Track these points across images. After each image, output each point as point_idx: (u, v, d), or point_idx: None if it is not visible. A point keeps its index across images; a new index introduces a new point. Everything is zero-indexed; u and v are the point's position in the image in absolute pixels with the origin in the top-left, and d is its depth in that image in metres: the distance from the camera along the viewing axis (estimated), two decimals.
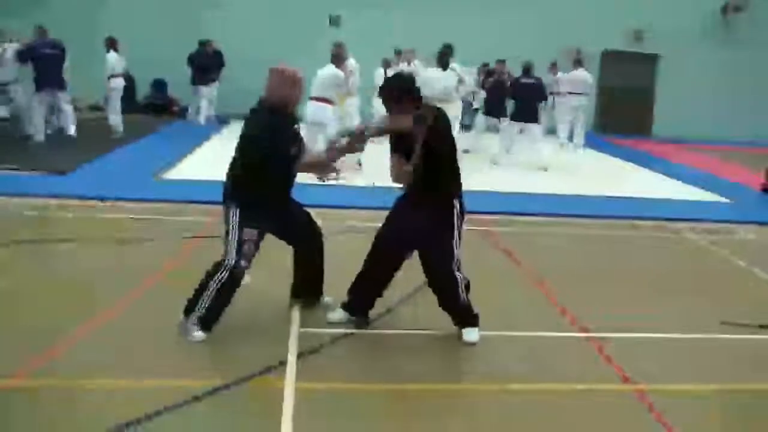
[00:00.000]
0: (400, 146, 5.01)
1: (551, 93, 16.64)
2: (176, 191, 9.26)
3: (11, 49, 12.53)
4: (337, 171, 5.27)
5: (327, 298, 5.52)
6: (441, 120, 5.02)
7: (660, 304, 6.21)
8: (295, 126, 5.17)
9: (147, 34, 16.99)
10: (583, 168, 13.88)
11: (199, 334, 4.84)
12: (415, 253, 5.16)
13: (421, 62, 13.75)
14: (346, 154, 5.25)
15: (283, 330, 5.09)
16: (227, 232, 4.91)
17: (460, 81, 12.52)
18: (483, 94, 14.51)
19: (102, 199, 8.77)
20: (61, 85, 12.57)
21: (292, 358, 4.66)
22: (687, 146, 18.20)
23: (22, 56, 12.48)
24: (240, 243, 4.86)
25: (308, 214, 5.38)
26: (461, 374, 4.91)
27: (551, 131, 16.85)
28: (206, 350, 4.78)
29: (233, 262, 4.84)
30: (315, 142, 9.92)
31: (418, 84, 5.26)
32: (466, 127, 14.44)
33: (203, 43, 16.89)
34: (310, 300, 5.49)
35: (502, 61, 14.30)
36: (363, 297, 5.28)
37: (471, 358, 4.98)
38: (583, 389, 4.58)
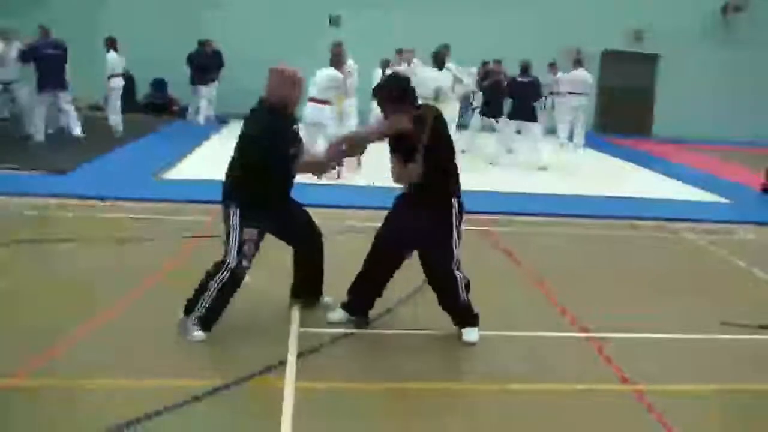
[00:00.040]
0: (400, 147, 5.01)
1: (551, 93, 16.65)
2: (176, 191, 9.26)
3: (14, 48, 12.53)
4: (338, 170, 5.29)
5: (327, 298, 5.52)
6: (439, 120, 5.05)
7: (660, 304, 6.21)
8: (295, 126, 5.17)
9: (147, 34, 16.98)
10: (583, 168, 13.89)
11: (199, 333, 4.84)
12: (415, 253, 5.16)
13: (420, 62, 13.75)
14: (345, 158, 5.25)
15: (283, 330, 5.10)
16: (227, 233, 4.92)
17: (458, 81, 12.51)
18: (480, 94, 14.50)
19: (102, 198, 8.77)
20: (63, 85, 12.57)
21: (292, 358, 4.66)
22: (687, 146, 18.20)
23: (25, 56, 12.48)
24: (241, 243, 4.86)
25: (307, 214, 5.38)
26: (461, 374, 4.91)
27: (551, 131, 16.85)
28: (206, 350, 4.79)
29: (234, 262, 4.84)
30: (314, 143, 9.92)
31: (413, 84, 5.26)
32: (461, 126, 14.42)
33: (202, 43, 16.88)
34: (310, 300, 5.49)
35: (498, 61, 14.28)
36: (363, 297, 5.28)
37: (471, 358, 4.99)
38: (582, 389, 4.58)
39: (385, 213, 5.25)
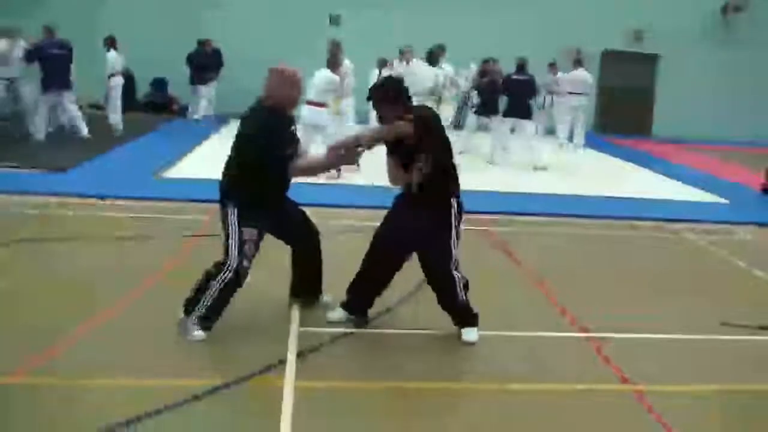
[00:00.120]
0: (398, 150, 5.02)
1: (550, 92, 16.65)
2: (176, 190, 9.26)
3: (18, 46, 12.52)
4: (338, 171, 5.30)
5: (326, 297, 5.52)
6: (435, 120, 5.06)
7: (659, 304, 6.22)
8: (292, 127, 5.15)
9: (147, 34, 16.97)
10: (582, 168, 13.89)
11: (199, 333, 4.84)
12: (414, 253, 5.17)
13: (419, 62, 13.74)
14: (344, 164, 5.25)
15: (282, 329, 5.10)
16: (227, 233, 4.91)
17: (453, 84, 12.50)
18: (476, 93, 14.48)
19: (102, 197, 8.78)
20: (67, 85, 12.61)
21: (291, 357, 4.66)
22: (687, 146, 18.20)
23: (30, 56, 12.50)
24: (241, 244, 4.86)
25: (304, 213, 5.38)
26: (461, 373, 4.90)
27: (551, 131, 16.86)
28: (206, 349, 4.79)
29: (236, 263, 4.83)
30: (311, 143, 9.91)
31: (409, 81, 5.28)
32: (458, 127, 14.43)
33: (202, 43, 16.89)
34: (310, 299, 5.50)
35: (494, 60, 14.23)
36: (362, 296, 5.29)
37: (470, 358, 4.99)
38: (582, 389, 4.58)
39: (384, 212, 5.25)
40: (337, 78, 10.85)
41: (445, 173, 5.03)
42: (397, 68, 12.98)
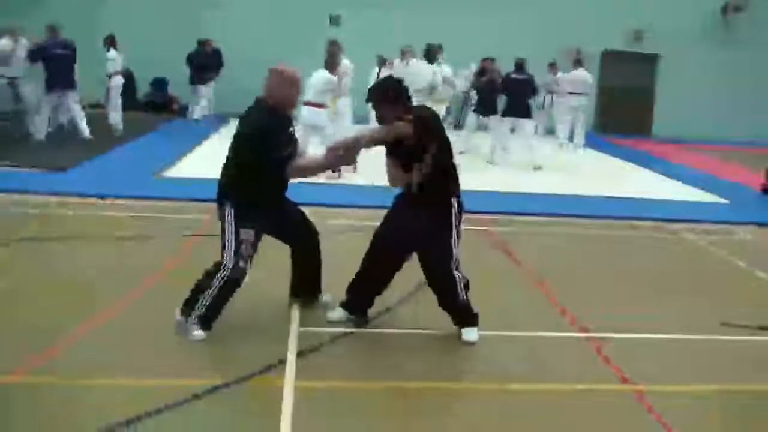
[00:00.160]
0: (397, 151, 5.02)
1: (550, 92, 16.64)
2: (176, 189, 9.27)
3: (21, 45, 12.52)
4: (338, 170, 5.28)
5: (326, 297, 5.52)
6: (435, 120, 5.06)
7: (659, 304, 6.22)
8: (291, 128, 5.14)
9: (147, 34, 16.98)
10: (583, 168, 13.88)
11: (199, 333, 4.84)
12: (414, 253, 5.17)
13: (418, 60, 13.73)
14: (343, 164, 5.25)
15: (282, 329, 5.10)
16: (224, 234, 4.91)
17: (449, 84, 12.49)
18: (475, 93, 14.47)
19: (102, 196, 8.78)
20: (71, 84, 12.62)
21: (291, 357, 4.67)
22: (687, 146, 18.20)
23: (33, 56, 12.52)
24: (238, 244, 4.85)
25: (302, 212, 5.38)
26: (461, 373, 4.90)
27: (551, 131, 16.86)
28: (206, 349, 4.79)
29: (233, 264, 4.83)
30: (309, 144, 9.90)
31: (408, 79, 5.28)
32: (458, 126, 14.41)
33: (202, 43, 16.89)
34: (309, 298, 5.50)
35: (491, 59, 14.20)
36: (362, 296, 5.29)
37: (470, 358, 4.99)
38: (582, 389, 4.58)
39: (384, 212, 5.25)
40: (335, 78, 10.85)
41: (445, 173, 5.03)
42: (397, 67, 12.97)
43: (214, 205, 5.07)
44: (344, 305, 5.30)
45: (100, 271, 6.16)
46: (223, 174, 5.05)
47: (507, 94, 13.28)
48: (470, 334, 5.12)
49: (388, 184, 5.22)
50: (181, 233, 7.42)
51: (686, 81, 19.80)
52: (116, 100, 14.44)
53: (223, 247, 4.89)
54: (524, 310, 5.91)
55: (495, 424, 4.14)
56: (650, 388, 4.59)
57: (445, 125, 5.45)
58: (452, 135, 6.44)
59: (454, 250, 5.03)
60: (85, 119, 12.77)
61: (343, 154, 5.06)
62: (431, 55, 12.20)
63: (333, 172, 9.59)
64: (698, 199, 11.25)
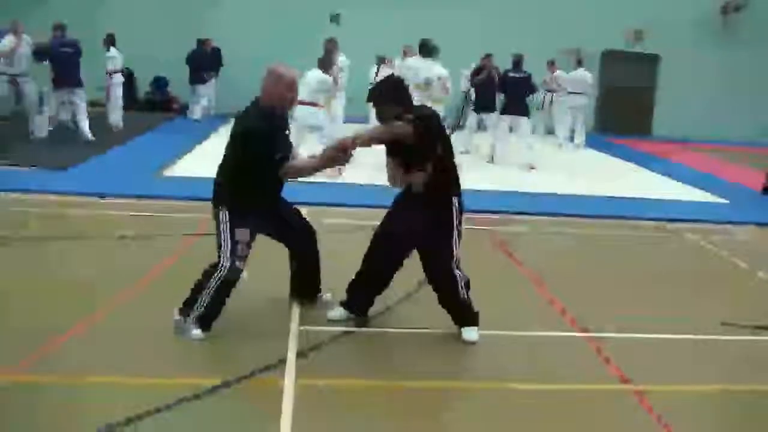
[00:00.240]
0: (398, 149, 5.01)
1: (549, 91, 16.64)
2: (176, 188, 9.26)
3: (24, 42, 12.50)
4: (339, 168, 5.24)
5: (326, 296, 5.52)
6: (436, 120, 5.05)
7: (660, 304, 6.21)
8: (286, 129, 5.11)
9: (147, 33, 17.01)
10: (583, 168, 13.86)
11: (197, 332, 4.83)
12: (415, 252, 5.16)
13: (417, 57, 13.69)
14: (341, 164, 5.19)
15: (282, 328, 5.09)
16: (219, 234, 4.90)
17: (440, 79, 12.44)
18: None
19: (102, 195, 8.78)
20: (79, 83, 12.68)
21: (292, 356, 4.66)
22: (688, 146, 18.21)
23: (39, 56, 12.54)
24: (234, 244, 4.84)
25: (299, 212, 5.38)
26: (461, 373, 4.90)
27: (550, 131, 16.86)
28: (206, 348, 4.78)
29: (229, 264, 4.82)
30: (302, 144, 9.89)
31: (406, 74, 5.26)
32: (459, 127, 14.38)
33: (202, 42, 16.89)
34: (309, 297, 5.49)
35: (489, 56, 14.16)
36: (362, 295, 5.28)
37: (470, 357, 4.99)
38: (582, 389, 4.58)
39: (384, 211, 5.24)
40: (329, 78, 10.84)
41: (446, 173, 5.02)
42: (397, 66, 12.96)
43: None
44: (344, 304, 5.30)
45: (100, 270, 6.16)
46: (218, 174, 5.05)
47: (505, 92, 13.26)
48: (470, 333, 5.12)
49: (388, 183, 5.22)
50: (181, 232, 7.42)
51: (686, 81, 19.81)
52: (117, 99, 14.44)
53: (219, 247, 4.88)
54: (524, 310, 5.90)
55: (495, 423, 4.13)
56: (650, 388, 4.58)
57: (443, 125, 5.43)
58: (452, 135, 6.45)
59: (454, 250, 5.03)
60: (88, 120, 12.76)
61: (341, 154, 5.02)
62: (426, 50, 12.12)
63: (335, 170, 9.58)
64: (699, 199, 11.25)
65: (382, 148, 5.15)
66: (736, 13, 20.44)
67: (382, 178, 5.31)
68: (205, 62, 16.71)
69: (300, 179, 5.35)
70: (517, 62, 13.30)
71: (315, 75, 10.65)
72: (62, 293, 5.56)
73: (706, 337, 5.55)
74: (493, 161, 13.32)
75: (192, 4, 18.19)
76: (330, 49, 11.31)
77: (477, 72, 13.88)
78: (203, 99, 16.79)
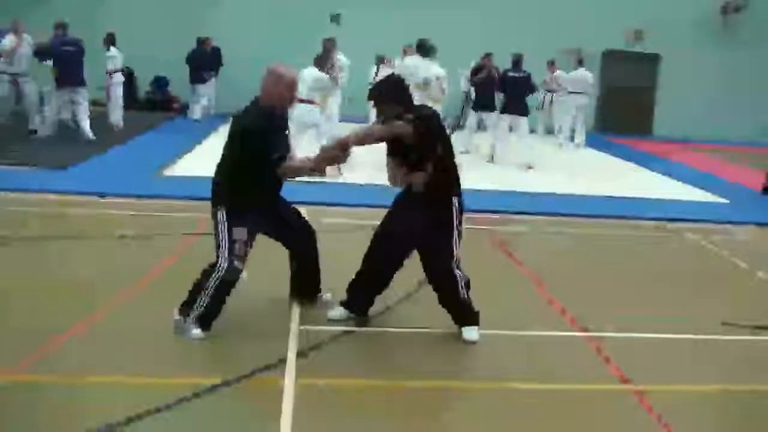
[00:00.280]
0: (398, 149, 5.01)
1: (549, 91, 16.63)
2: (176, 188, 9.26)
3: (25, 42, 12.50)
4: (339, 168, 5.19)
5: (326, 295, 5.52)
6: (436, 120, 5.05)
7: (660, 304, 6.21)
8: (285, 128, 5.09)
9: (148, 32, 17.01)
10: (583, 167, 13.86)
11: (197, 332, 4.83)
12: (415, 252, 5.16)
13: (415, 56, 13.68)
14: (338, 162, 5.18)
15: (282, 327, 5.09)
16: (217, 234, 4.90)
17: (438, 79, 12.45)
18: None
19: (102, 195, 8.77)
20: (82, 82, 12.69)
21: (292, 356, 4.66)
22: (688, 146, 18.21)
23: (40, 55, 12.54)
24: (232, 243, 4.84)
25: (298, 212, 5.37)
26: (461, 372, 4.90)
27: (550, 131, 16.86)
28: (206, 348, 4.78)
29: (227, 263, 4.82)
30: (299, 142, 9.89)
31: (404, 73, 5.26)
32: (459, 127, 14.38)
33: (202, 41, 16.87)
34: (309, 297, 5.49)
35: (488, 55, 14.14)
36: (362, 295, 5.28)
37: (471, 357, 4.99)
38: (582, 389, 4.58)
39: (384, 211, 5.24)
40: (325, 76, 10.84)
41: (446, 173, 5.02)
42: (396, 65, 12.95)
43: None
44: (345, 304, 5.30)
45: (100, 270, 6.16)
46: (216, 173, 5.04)
47: (504, 91, 13.25)
48: (471, 332, 5.12)
49: (388, 183, 5.21)
50: (181, 232, 7.42)
51: (687, 81, 19.81)
52: (117, 98, 14.45)
53: (218, 246, 4.88)
54: (524, 310, 5.90)
55: (495, 423, 4.13)
56: (650, 387, 4.58)
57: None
58: (453, 135, 6.44)
59: (454, 249, 5.03)
60: (89, 120, 12.77)
61: (337, 153, 5.00)
62: (424, 50, 12.11)
63: (334, 170, 9.57)
64: (699, 199, 11.25)
65: (382, 147, 5.15)
66: (736, 13, 20.43)
67: (381, 177, 5.31)
68: (205, 61, 16.69)
69: (300, 179, 5.35)
70: (517, 62, 13.29)
71: (311, 73, 10.66)
72: (62, 293, 5.56)
73: (706, 337, 5.55)
74: (492, 161, 13.31)
75: (192, 4, 18.19)
76: (328, 48, 11.31)
77: (477, 71, 13.87)
78: (203, 99, 16.78)
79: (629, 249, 8.30)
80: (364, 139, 5.07)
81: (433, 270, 5.12)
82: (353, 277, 5.27)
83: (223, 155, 5.04)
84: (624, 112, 20.63)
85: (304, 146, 9.43)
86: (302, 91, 10.30)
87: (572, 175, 12.65)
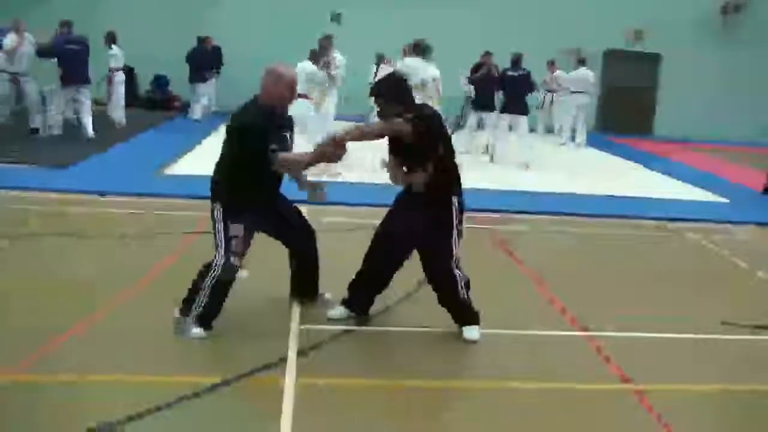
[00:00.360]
0: (399, 147, 5.01)
1: (549, 91, 16.61)
2: (176, 186, 9.26)
3: (26, 41, 12.50)
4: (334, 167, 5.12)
5: (327, 295, 5.51)
6: (437, 119, 5.05)
7: (660, 303, 6.21)
8: (283, 127, 5.04)
9: (148, 31, 17.02)
10: (584, 167, 13.86)
11: (198, 331, 4.82)
12: (415, 251, 5.16)
13: (413, 57, 13.65)
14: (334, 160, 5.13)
15: (283, 327, 5.09)
16: (214, 230, 4.90)
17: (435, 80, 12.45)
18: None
19: (102, 193, 8.77)
20: (86, 80, 12.72)
21: (292, 355, 4.66)
22: (689, 146, 18.21)
23: (42, 54, 12.54)
24: (228, 240, 4.84)
25: (298, 210, 5.37)
26: (461, 371, 4.91)
27: (550, 130, 16.84)
28: (206, 347, 4.78)
29: (224, 260, 4.82)
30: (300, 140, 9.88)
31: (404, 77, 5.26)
32: (460, 127, 14.38)
33: (202, 40, 16.86)
34: (309, 296, 5.49)
35: (488, 53, 14.13)
36: (363, 294, 5.28)
37: (471, 356, 4.99)
38: (582, 388, 4.58)
39: (385, 210, 5.24)
40: (319, 72, 10.81)
41: (447, 172, 5.02)
42: (395, 65, 12.93)
43: None
44: (345, 303, 5.30)
45: (100, 269, 6.16)
46: (215, 171, 5.04)
47: (504, 90, 13.24)
48: (471, 332, 5.11)
49: (389, 181, 5.21)
50: (181, 230, 7.42)
51: (688, 80, 19.81)
52: (119, 97, 14.46)
53: (215, 244, 4.88)
54: (525, 309, 5.90)
55: (495, 422, 4.13)
56: (650, 387, 4.58)
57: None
58: (453, 135, 6.43)
59: (454, 249, 5.02)
60: (90, 117, 12.77)
61: (333, 149, 4.95)
62: (419, 51, 12.09)
63: (335, 169, 9.57)
64: (700, 199, 11.25)
65: (383, 147, 5.15)
66: (736, 14, 20.44)
67: (381, 176, 5.30)
68: (205, 60, 16.68)
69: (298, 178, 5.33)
70: (516, 61, 13.26)
71: (305, 66, 10.66)
72: (62, 292, 5.55)
73: (707, 337, 5.54)
74: (492, 160, 13.31)
75: (192, 3, 18.20)
76: (324, 45, 11.30)
77: (476, 69, 13.86)
78: (203, 98, 16.77)
79: (630, 248, 8.30)
80: (362, 136, 5.06)
81: (433, 270, 5.12)
82: (353, 276, 5.27)
83: (222, 153, 5.04)
84: (625, 112, 20.64)
85: (302, 145, 9.42)
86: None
87: (573, 175, 12.66)
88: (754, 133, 19.87)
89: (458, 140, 11.44)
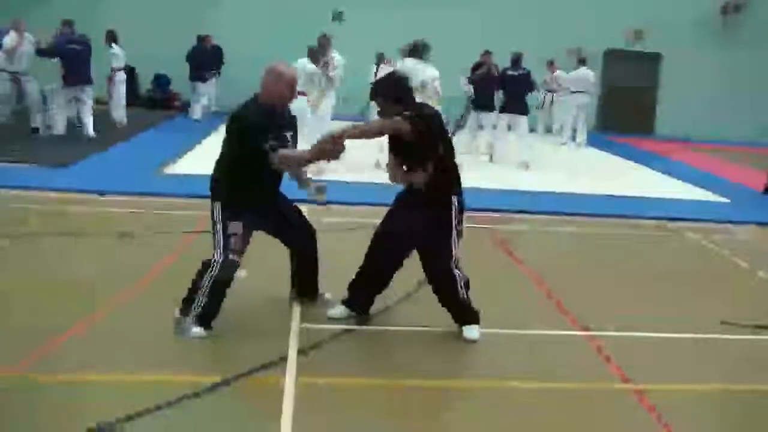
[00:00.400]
0: (399, 147, 5.01)
1: (549, 91, 16.60)
2: (177, 186, 9.27)
3: (26, 40, 12.50)
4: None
5: (327, 294, 5.51)
6: (437, 119, 5.05)
7: (660, 303, 6.21)
8: (283, 127, 5.01)
9: (149, 30, 17.02)
10: (584, 166, 13.86)
11: (198, 331, 4.82)
12: (414, 251, 5.16)
13: (412, 58, 13.64)
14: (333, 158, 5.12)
15: (283, 326, 5.09)
16: (213, 229, 4.90)
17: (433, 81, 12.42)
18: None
19: (102, 193, 8.77)
20: (89, 80, 12.70)
21: (292, 354, 4.66)
22: (689, 145, 18.21)
23: (43, 54, 12.53)
24: (227, 238, 4.83)
25: (299, 210, 5.36)
26: (461, 371, 4.90)
27: (549, 130, 16.84)
28: (206, 346, 4.78)
29: (222, 259, 4.81)
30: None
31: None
32: (460, 127, 14.37)
33: (202, 39, 16.85)
34: (308, 295, 5.48)
35: (488, 52, 14.12)
36: (363, 293, 5.28)
37: (471, 356, 4.99)
38: (582, 388, 4.58)
39: (385, 210, 5.24)
40: (317, 70, 10.81)
41: (446, 172, 5.02)
42: (395, 65, 12.92)
43: None
44: (345, 302, 5.29)
45: (100, 268, 6.16)
46: (215, 170, 5.05)
47: (504, 90, 13.23)
48: (471, 332, 5.11)
49: (389, 181, 5.21)
50: (181, 230, 7.42)
51: (688, 80, 19.81)
52: (120, 96, 14.45)
53: (214, 242, 4.88)
54: (525, 309, 5.90)
55: (495, 422, 4.13)
56: (650, 387, 4.58)
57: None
58: (454, 135, 6.43)
59: (454, 249, 5.02)
60: (92, 117, 12.77)
61: (331, 146, 4.93)
62: (417, 52, 12.07)
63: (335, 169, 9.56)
64: (700, 198, 11.25)
65: (384, 147, 5.14)
66: (736, 14, 20.44)
67: (381, 176, 5.30)
68: (205, 59, 16.65)
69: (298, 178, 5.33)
70: (516, 60, 13.25)
71: (305, 65, 10.65)
72: (62, 292, 5.55)
73: (707, 337, 5.54)
74: (492, 160, 13.30)
75: (192, 3, 18.21)
76: (323, 44, 11.29)
77: (476, 67, 13.85)
78: (203, 98, 16.75)
79: (630, 248, 8.30)
80: (361, 134, 5.06)
81: (433, 270, 5.12)
82: (353, 276, 5.27)
83: (221, 152, 5.04)
84: (625, 112, 20.65)
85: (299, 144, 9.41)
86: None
87: (573, 174, 12.65)
88: (755, 133, 19.87)
89: (459, 140, 11.44)
